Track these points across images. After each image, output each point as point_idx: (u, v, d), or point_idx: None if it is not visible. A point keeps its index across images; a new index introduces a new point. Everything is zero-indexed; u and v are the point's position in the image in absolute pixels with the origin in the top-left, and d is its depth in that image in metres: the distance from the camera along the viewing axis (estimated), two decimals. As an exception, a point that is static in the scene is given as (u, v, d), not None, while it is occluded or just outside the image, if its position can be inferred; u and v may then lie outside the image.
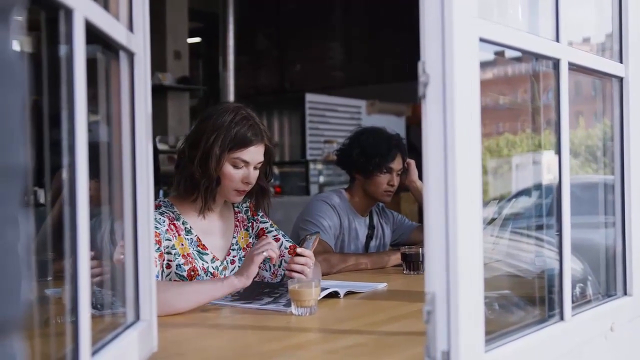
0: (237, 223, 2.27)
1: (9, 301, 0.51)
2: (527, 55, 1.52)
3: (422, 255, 2.56)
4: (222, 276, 2.14)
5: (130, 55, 1.29)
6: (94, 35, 1.05)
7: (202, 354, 1.48)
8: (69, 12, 0.95)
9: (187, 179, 2.10)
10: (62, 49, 0.97)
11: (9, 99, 0.50)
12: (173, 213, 2.12)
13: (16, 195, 0.53)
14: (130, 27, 1.30)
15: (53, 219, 1.63)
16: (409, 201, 6.12)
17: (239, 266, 2.18)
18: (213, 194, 2.11)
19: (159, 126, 6.88)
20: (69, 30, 0.95)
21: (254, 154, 2.10)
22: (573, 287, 1.51)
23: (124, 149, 1.30)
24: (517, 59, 1.65)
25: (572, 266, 1.48)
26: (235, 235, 2.24)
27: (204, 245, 2.14)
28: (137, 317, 1.32)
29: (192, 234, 2.12)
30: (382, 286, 2.26)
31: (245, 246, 2.26)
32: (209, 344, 1.55)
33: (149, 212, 1.34)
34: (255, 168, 2.13)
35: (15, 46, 0.54)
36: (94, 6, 1.05)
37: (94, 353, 1.04)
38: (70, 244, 0.96)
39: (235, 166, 2.09)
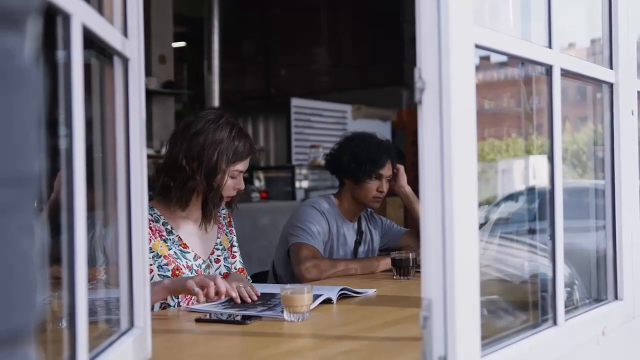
0: (220, 225, 2.36)
1: (26, 309, 0.51)
2: (515, 60, 1.53)
3: (412, 260, 2.56)
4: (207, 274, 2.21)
5: (125, 61, 1.29)
6: (89, 40, 1.05)
7: (195, 360, 1.48)
8: (66, 18, 0.94)
9: (188, 191, 2.16)
10: (59, 54, 0.96)
11: (26, 107, 0.49)
12: (152, 215, 2.17)
13: (31, 203, 0.53)
14: (125, 33, 1.29)
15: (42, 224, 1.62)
16: (394, 206, 6.13)
17: (224, 265, 2.30)
18: (217, 205, 2.21)
19: (144, 131, 6.83)
20: (66, 35, 0.95)
21: (247, 163, 2.24)
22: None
23: (118, 154, 1.29)
24: (503, 64, 1.66)
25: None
26: (219, 235, 2.33)
27: (185, 244, 2.20)
28: (132, 324, 1.31)
29: (173, 234, 2.19)
30: (371, 292, 2.26)
31: (227, 248, 2.35)
32: (202, 351, 1.54)
33: (143, 217, 1.33)
34: (243, 175, 2.25)
35: (31, 54, 0.54)
36: (91, 12, 1.04)
37: (90, 361, 1.03)
38: (68, 251, 0.95)
39: (233, 177, 2.20)
